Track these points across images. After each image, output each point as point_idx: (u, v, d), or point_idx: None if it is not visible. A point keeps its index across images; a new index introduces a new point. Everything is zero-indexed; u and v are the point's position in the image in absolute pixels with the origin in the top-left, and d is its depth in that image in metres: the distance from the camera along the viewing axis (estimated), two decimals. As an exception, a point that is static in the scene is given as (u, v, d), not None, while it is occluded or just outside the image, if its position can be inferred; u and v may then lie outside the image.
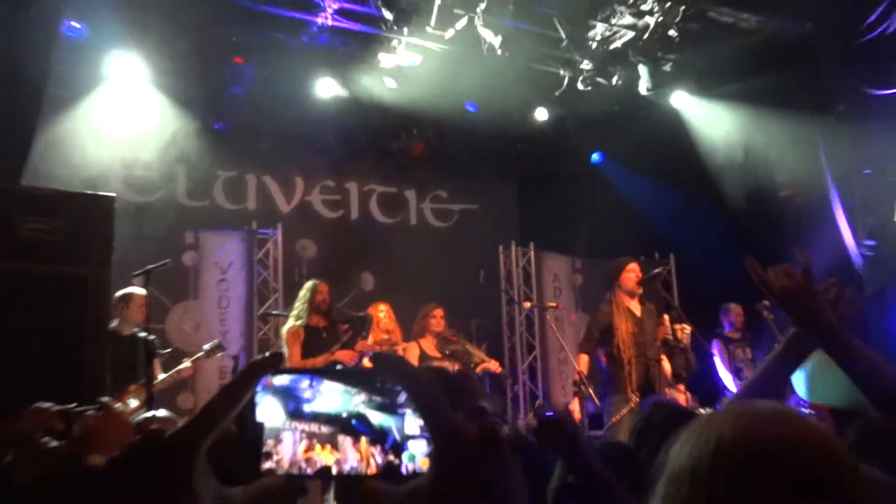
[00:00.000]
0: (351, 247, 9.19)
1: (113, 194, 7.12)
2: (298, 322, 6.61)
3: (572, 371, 6.82)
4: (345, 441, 0.90)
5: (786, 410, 1.11)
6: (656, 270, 7.29)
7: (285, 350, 6.57)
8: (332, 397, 0.89)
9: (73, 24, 6.89)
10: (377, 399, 0.87)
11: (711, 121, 8.70)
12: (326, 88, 8.34)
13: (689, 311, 7.01)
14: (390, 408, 0.87)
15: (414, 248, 9.26)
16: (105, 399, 2.14)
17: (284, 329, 6.71)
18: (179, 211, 8.42)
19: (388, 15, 7.49)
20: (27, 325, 4.74)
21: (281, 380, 0.80)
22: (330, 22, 7.54)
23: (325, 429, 0.91)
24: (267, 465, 0.94)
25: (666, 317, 6.96)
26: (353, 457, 0.90)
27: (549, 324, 8.36)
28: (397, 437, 0.86)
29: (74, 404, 2.07)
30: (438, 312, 7.08)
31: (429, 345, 6.99)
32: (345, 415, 0.89)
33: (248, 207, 8.98)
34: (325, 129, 8.82)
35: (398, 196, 9.92)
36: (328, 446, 0.91)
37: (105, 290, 5.96)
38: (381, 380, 0.86)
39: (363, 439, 0.89)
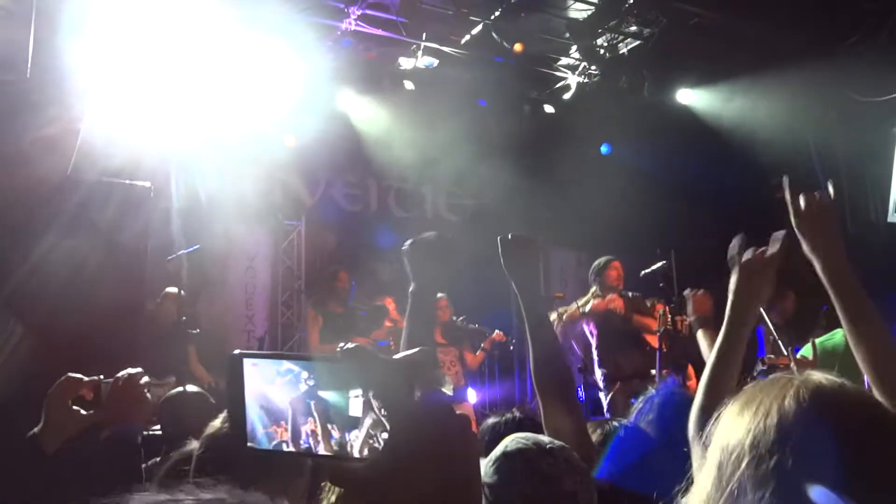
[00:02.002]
0: (370, 239, 9.63)
1: (149, 184, 7.65)
2: (317, 308, 7.04)
3: (578, 358, 7.18)
4: (299, 420, 0.92)
5: (839, 381, 1.06)
6: (659, 265, 7.55)
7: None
8: (291, 379, 0.91)
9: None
10: (332, 382, 0.88)
11: (712, 114, 8.95)
12: (349, 90, 8.83)
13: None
14: (344, 391, 0.87)
15: (429, 240, 9.62)
16: (131, 371, 2.17)
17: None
18: (211, 203, 8.91)
19: (407, 21, 8.00)
20: (70, 301, 5.18)
21: (256, 363, 0.87)
22: (353, 27, 8.00)
23: (282, 408, 0.93)
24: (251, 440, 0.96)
25: (666, 308, 7.31)
26: (305, 435, 0.91)
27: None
28: (348, 418, 0.86)
29: (101, 375, 2.13)
30: (443, 303, 7.39)
31: (436, 333, 7.34)
32: (300, 395, 0.92)
33: (274, 200, 9.43)
34: (346, 128, 9.26)
35: (415, 192, 10.40)
36: (284, 424, 0.92)
37: (141, 272, 6.42)
38: (339, 365, 0.87)
39: (317, 419, 0.90)
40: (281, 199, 9.49)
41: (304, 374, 0.95)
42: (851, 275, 1.83)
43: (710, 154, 9.01)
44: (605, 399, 6.62)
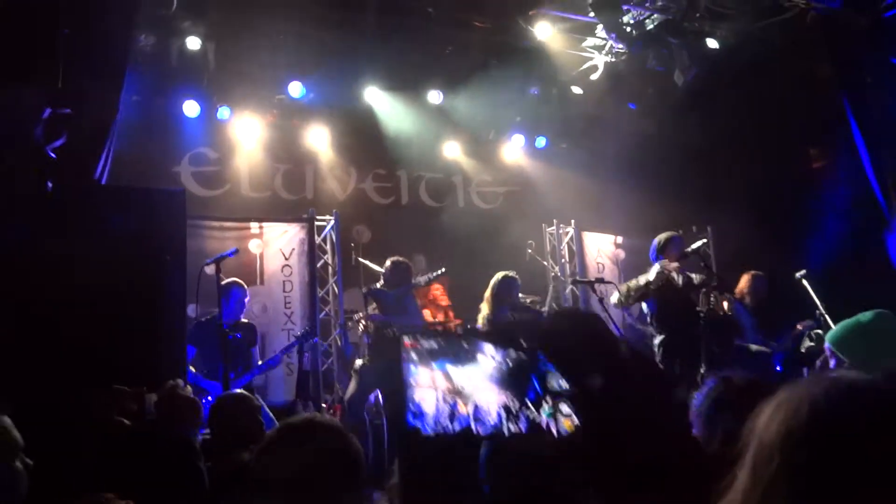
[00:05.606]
0: (403, 230, 9.59)
1: (183, 189, 7.71)
2: None
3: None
4: (486, 398, 0.89)
5: (870, 377, 1.05)
6: (698, 243, 7.34)
7: None
8: (475, 357, 0.89)
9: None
10: (519, 358, 0.87)
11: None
12: (374, 90, 8.97)
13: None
14: (531, 366, 0.86)
15: (462, 229, 9.61)
16: (173, 382, 2.34)
17: None
18: (244, 202, 9.02)
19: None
20: (112, 311, 5.21)
21: (429, 342, 0.86)
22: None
23: (467, 387, 0.90)
24: (414, 423, 0.93)
25: (708, 286, 7.16)
26: (494, 412, 0.89)
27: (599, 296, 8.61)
28: (537, 393, 0.85)
29: (145, 388, 2.30)
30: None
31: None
32: (487, 372, 0.88)
33: (306, 196, 9.55)
34: (375, 122, 9.26)
35: (446, 182, 10.38)
36: (470, 404, 0.89)
37: (180, 277, 6.46)
38: (523, 340, 0.85)
39: (505, 396, 0.88)
40: (312, 196, 9.58)
41: (496, 351, 0.98)
42: None
43: (742, 124, 8.85)
44: None
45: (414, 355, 0.92)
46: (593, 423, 0.75)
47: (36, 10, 5.39)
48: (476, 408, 0.90)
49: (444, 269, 7.67)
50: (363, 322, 7.34)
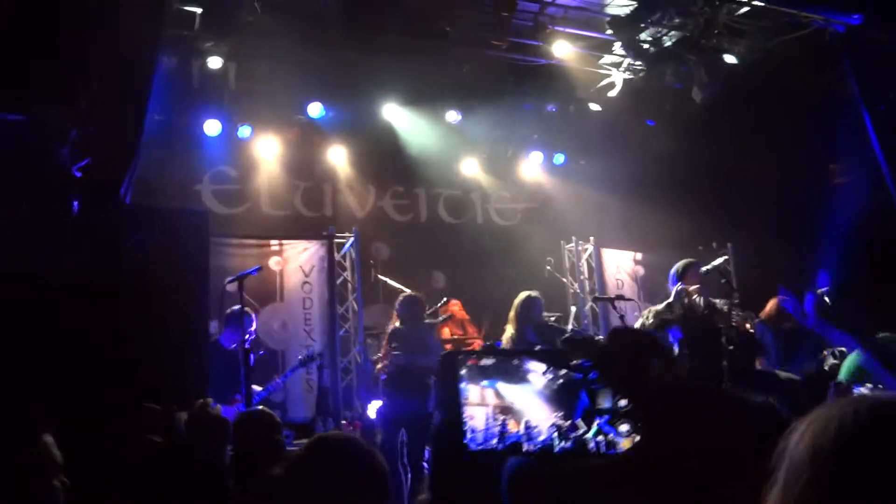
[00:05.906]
0: (421, 247, 9.68)
1: (207, 209, 7.76)
2: None
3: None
4: (537, 416, 0.87)
5: None
6: (719, 260, 7.25)
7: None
8: (526, 375, 0.88)
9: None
10: (569, 376, 0.86)
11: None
12: (393, 108, 9.04)
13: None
14: (581, 384, 0.85)
15: (480, 246, 9.66)
16: (203, 400, 2.35)
17: None
18: (264, 220, 9.08)
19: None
20: (136, 330, 5.24)
21: (486, 360, 0.85)
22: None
23: (517, 404, 0.89)
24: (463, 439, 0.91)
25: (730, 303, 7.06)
26: (545, 430, 0.87)
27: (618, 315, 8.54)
28: (587, 411, 0.84)
29: (175, 406, 2.31)
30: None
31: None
32: (538, 390, 0.87)
33: (325, 214, 9.61)
34: (393, 141, 9.35)
35: (464, 199, 10.42)
36: (521, 421, 0.88)
37: (203, 297, 6.50)
38: (575, 359, 0.83)
39: (555, 414, 0.87)
40: (331, 213, 9.63)
41: (542, 368, 0.98)
42: None
43: (761, 140, 8.81)
44: None
45: (465, 373, 0.93)
46: (648, 441, 0.75)
47: (62, 30, 5.47)
48: (527, 426, 0.91)
49: (445, 300, 7.73)
50: (384, 362, 7.32)
